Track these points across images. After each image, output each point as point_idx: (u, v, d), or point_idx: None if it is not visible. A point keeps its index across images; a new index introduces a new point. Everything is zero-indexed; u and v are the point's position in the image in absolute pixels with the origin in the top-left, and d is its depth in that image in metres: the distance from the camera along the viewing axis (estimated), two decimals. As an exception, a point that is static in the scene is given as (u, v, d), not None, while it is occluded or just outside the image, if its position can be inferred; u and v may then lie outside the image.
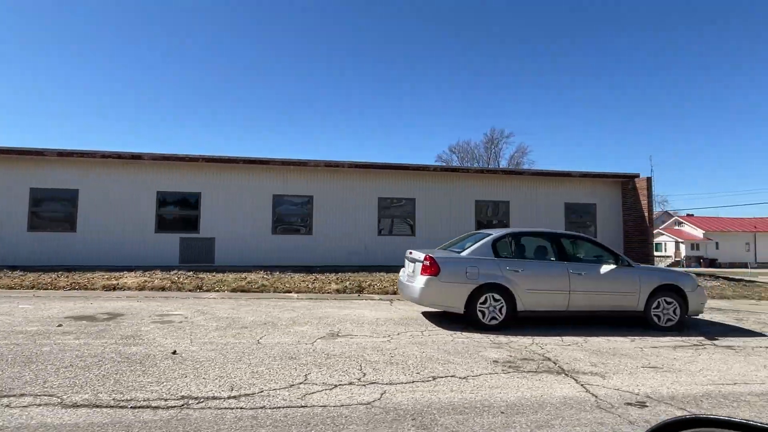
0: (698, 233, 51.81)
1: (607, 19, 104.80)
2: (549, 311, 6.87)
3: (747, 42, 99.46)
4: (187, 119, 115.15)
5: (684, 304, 7.14)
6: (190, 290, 10.02)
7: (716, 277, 16.04)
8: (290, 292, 10.41)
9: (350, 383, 4.15)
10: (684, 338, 6.66)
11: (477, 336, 6.26)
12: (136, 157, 13.77)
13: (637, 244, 16.29)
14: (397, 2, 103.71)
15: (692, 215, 57.63)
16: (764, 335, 7.21)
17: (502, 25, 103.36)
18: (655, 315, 7.09)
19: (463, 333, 6.40)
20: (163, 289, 9.99)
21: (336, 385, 4.07)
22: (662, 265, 51.28)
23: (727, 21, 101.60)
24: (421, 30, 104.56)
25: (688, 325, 7.71)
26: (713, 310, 9.88)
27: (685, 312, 7.15)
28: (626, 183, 16.85)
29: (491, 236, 7.05)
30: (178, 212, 14.52)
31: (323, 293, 10.36)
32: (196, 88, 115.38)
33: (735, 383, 4.61)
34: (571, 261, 7.02)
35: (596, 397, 4.03)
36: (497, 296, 6.64)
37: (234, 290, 10.22)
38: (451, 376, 4.46)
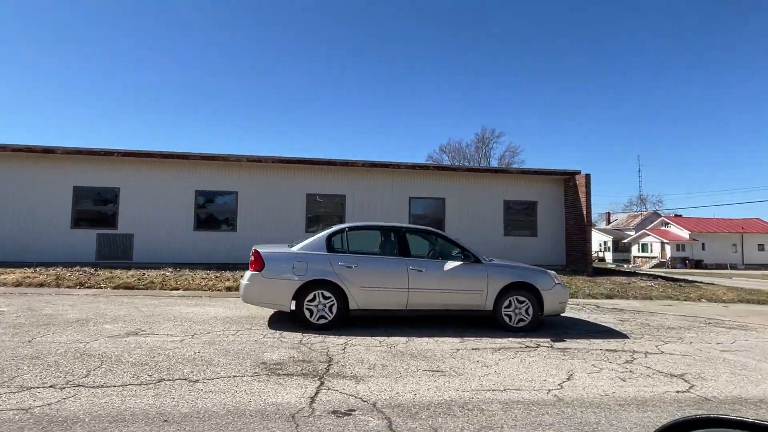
0: (684, 234, 51.10)
1: (607, 19, 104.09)
2: (386, 310, 6.44)
3: (747, 43, 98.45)
4: (186, 119, 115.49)
5: (538, 304, 6.70)
6: (69, 286, 9.68)
7: (655, 277, 15.53)
8: (177, 289, 10.04)
9: (52, 386, 3.75)
10: (527, 339, 6.22)
11: (292, 336, 5.85)
12: (48, 150, 13.43)
13: (577, 242, 15.82)
14: (397, 2, 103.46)
15: (680, 216, 56.91)
16: (627, 337, 6.76)
17: (501, 25, 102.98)
18: (506, 315, 6.65)
19: (283, 333, 6.00)
20: (41, 285, 9.65)
21: (29, 388, 3.68)
22: (646, 266, 50.60)
23: (729, 22, 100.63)
24: (421, 30, 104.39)
25: (553, 325, 7.28)
26: (613, 311, 9.43)
27: (539, 311, 6.70)
28: (568, 180, 16.37)
29: (329, 230, 6.64)
30: (96, 208, 14.17)
31: (212, 290, 9.98)
32: (196, 88, 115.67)
33: (504, 389, 4.19)
34: (413, 257, 6.59)
35: (312, 403, 3.62)
36: (327, 293, 6.23)
37: (117, 287, 9.87)
38: (183, 380, 4.06)
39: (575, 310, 9.32)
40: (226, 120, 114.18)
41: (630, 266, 52.15)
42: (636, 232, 57.23)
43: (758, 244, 50.95)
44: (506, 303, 6.65)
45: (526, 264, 7.56)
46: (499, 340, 6.14)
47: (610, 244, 61.80)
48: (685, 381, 4.72)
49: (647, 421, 3.59)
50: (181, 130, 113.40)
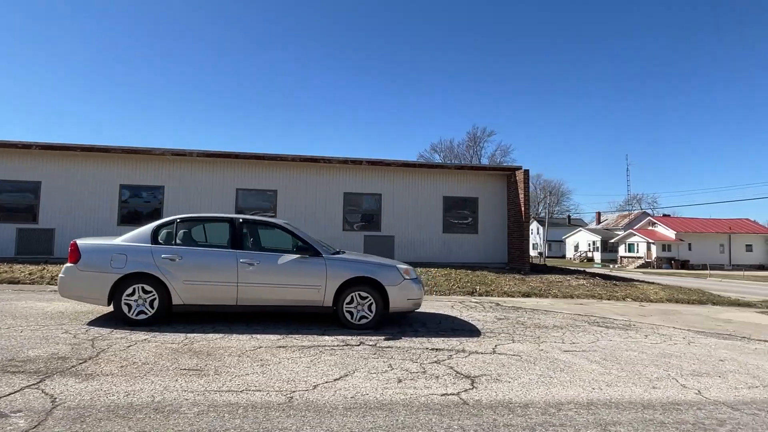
0: (671, 234, 50.41)
1: (608, 20, 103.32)
2: (214, 305, 6.09)
3: (744, 46, 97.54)
4: (186, 119, 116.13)
5: (383, 300, 6.33)
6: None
7: (594, 276, 15.08)
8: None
9: None
10: (357, 337, 5.86)
11: (95, 332, 5.51)
12: (-37, 143, 13.19)
13: (516, 239, 15.41)
14: (398, 2, 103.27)
15: (668, 215, 56.23)
16: (478, 336, 6.39)
17: (502, 25, 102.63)
18: (347, 311, 6.28)
19: (92, 329, 5.65)
20: None
21: None
22: (631, 267, 49.94)
23: (727, 24, 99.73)
24: (427, 32, 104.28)
25: (410, 322, 6.93)
26: (509, 309, 9.03)
27: (384, 308, 6.33)
28: (510, 177, 15.95)
29: (158, 221, 6.31)
30: (16, 202, 13.87)
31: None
32: (196, 88, 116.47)
33: (244, 391, 3.82)
34: (246, 249, 6.24)
35: (-14, 404, 3.29)
36: (148, 288, 5.89)
37: (1, 282, 9.57)
38: None
39: (465, 306, 8.96)
40: (225, 119, 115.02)
41: (616, 266, 51.55)
42: (624, 232, 56.60)
43: (746, 245, 50.21)
44: (348, 299, 6.28)
45: (381, 258, 7.20)
46: (326, 338, 5.79)
47: (598, 244, 61.21)
48: (473, 383, 4.35)
49: (355, 425, 3.23)
50: (181, 130, 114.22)
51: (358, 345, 5.54)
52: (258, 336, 5.70)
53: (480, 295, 11.05)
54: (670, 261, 48.74)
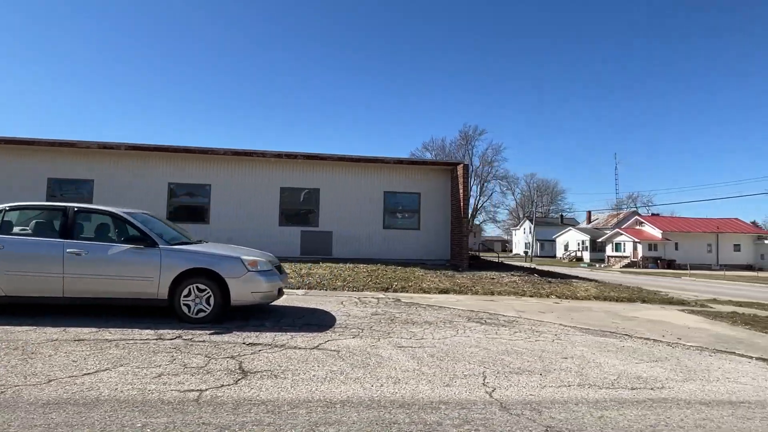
0: (658, 233, 49.88)
1: (608, 20, 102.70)
2: (39, 297, 5.84)
3: (745, 49, 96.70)
4: (185, 118, 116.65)
5: (222, 293, 6.06)
6: None
7: (532, 273, 14.70)
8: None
9: None
10: (177, 332, 5.55)
11: None
12: None
13: (457, 235, 15.10)
14: (398, 2, 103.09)
15: (658, 215, 55.66)
16: (326, 331, 6.11)
17: (504, 24, 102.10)
18: (185, 304, 6.02)
19: None
20: None
21: None
22: (618, 266, 49.44)
23: (725, 25, 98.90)
24: (427, 32, 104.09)
25: (264, 315, 6.65)
26: (402, 305, 8.72)
27: (223, 301, 6.06)
28: (453, 171, 15.64)
29: (-17, 210, 6.08)
30: (-59, 195, 13.72)
31: None
32: (196, 88, 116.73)
33: (-40, 384, 3.58)
34: (76, 239, 5.99)
35: None
36: (-33, 279, 5.65)
37: None
38: None
39: (358, 302, 8.67)
40: (225, 119, 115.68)
41: (603, 265, 51.10)
42: (612, 231, 56.09)
43: (734, 245, 49.62)
44: (185, 291, 6.02)
45: (233, 249, 6.91)
46: (144, 332, 5.51)
47: (587, 244, 60.74)
48: (239, 379, 4.07)
49: (24, 422, 2.96)
50: (181, 130, 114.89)
51: (172, 339, 5.27)
52: (71, 329, 5.44)
53: (395, 291, 10.75)
54: (656, 261, 48.24)
